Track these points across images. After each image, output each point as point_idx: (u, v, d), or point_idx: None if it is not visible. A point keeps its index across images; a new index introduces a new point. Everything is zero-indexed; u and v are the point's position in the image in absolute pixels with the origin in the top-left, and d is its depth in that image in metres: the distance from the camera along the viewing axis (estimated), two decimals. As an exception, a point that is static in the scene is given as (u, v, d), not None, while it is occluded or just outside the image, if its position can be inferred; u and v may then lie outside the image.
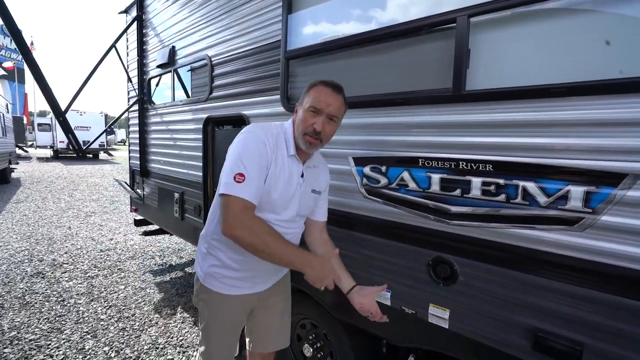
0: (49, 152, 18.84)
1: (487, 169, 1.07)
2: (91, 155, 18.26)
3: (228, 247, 1.19)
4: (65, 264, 3.80)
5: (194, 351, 2.33)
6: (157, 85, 3.22)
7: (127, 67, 3.65)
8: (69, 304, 2.90)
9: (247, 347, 1.48)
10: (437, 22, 1.17)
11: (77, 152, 3.32)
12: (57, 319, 2.67)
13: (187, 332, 2.56)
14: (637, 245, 0.84)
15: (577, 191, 0.92)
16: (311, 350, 1.79)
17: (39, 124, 19.77)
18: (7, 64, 23.40)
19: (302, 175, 1.20)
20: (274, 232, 1.06)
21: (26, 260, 3.84)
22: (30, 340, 2.38)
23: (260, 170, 1.07)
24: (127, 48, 3.68)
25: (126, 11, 3.59)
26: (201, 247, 1.29)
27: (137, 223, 3.88)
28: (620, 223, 0.86)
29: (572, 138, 0.92)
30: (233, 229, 1.00)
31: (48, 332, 2.48)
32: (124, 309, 2.86)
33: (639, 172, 0.83)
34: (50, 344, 2.34)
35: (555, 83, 0.94)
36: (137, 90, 3.38)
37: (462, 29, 1.10)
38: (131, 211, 3.90)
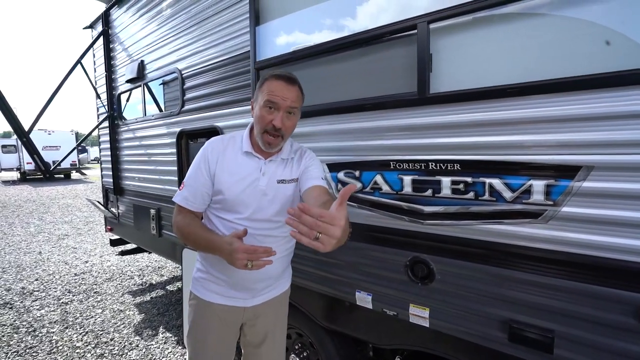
0: (15, 175, 17.88)
1: (455, 168, 1.11)
2: (62, 176, 17.47)
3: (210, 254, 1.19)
4: (36, 291, 3.60)
5: (177, 372, 2.25)
6: (127, 100, 3.14)
7: (96, 83, 3.54)
8: (40, 334, 2.74)
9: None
10: (399, 28, 1.21)
11: (44, 173, 3.18)
12: (27, 351, 2.51)
13: (170, 352, 2.47)
14: (597, 234, 0.89)
15: (538, 185, 0.96)
16: (298, 360, 1.76)
17: (3, 146, 18.73)
18: None
19: (260, 170, 1.13)
20: (194, 224, 1.12)
21: (-8, 291, 3.61)
22: (-1, 376, 2.22)
23: (197, 175, 1.13)
24: (95, 64, 3.58)
25: (91, 26, 3.50)
26: (196, 256, 1.32)
27: (113, 243, 3.73)
28: (579, 213, 0.91)
29: (531, 135, 0.97)
30: (175, 231, 1.14)
31: (18, 366, 2.33)
32: (101, 334, 2.72)
33: (591, 164, 0.88)
34: (21, 379, 2.19)
35: (511, 83, 0.98)
36: (106, 107, 3.28)
37: (422, 34, 1.14)
38: (106, 231, 3.75)
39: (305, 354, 1.77)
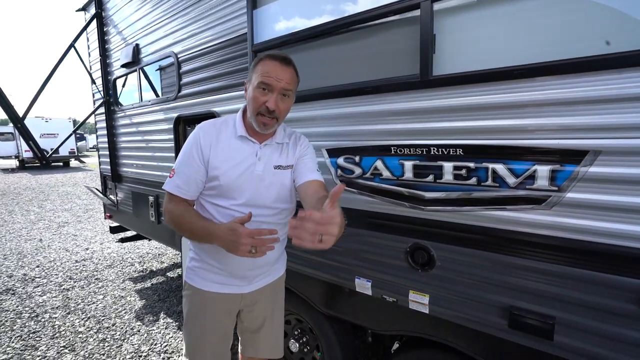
0: (14, 163, 17.82)
1: (458, 153, 1.08)
2: (61, 164, 17.41)
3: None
4: (38, 277, 3.62)
5: (179, 356, 2.28)
6: (123, 85, 3.08)
7: (90, 68, 3.47)
8: (43, 319, 2.76)
9: (239, 349, 1.41)
10: (401, 8, 1.16)
11: (40, 160, 3.15)
12: (30, 335, 2.54)
13: (171, 337, 2.49)
14: (602, 220, 0.87)
15: (543, 170, 0.94)
16: (297, 345, 1.78)
17: (1, 133, 18.63)
18: None
19: (256, 155, 1.11)
20: (188, 213, 1.08)
21: (-6, 278, 3.63)
22: (2, 360, 2.25)
23: (190, 162, 1.08)
24: (89, 48, 3.50)
25: (84, 8, 3.40)
26: (189, 244, 1.29)
27: (113, 230, 3.73)
28: (584, 199, 0.89)
29: (537, 118, 0.94)
30: (165, 220, 1.11)
31: (22, 351, 2.35)
32: (103, 320, 2.75)
33: (599, 149, 0.85)
34: (24, 363, 2.22)
35: (518, 65, 0.95)
36: (102, 92, 3.22)
37: (426, 14, 1.09)
38: (105, 218, 3.75)
39: (304, 340, 1.78)
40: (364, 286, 1.38)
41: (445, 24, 1.11)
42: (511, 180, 0.99)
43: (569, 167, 0.90)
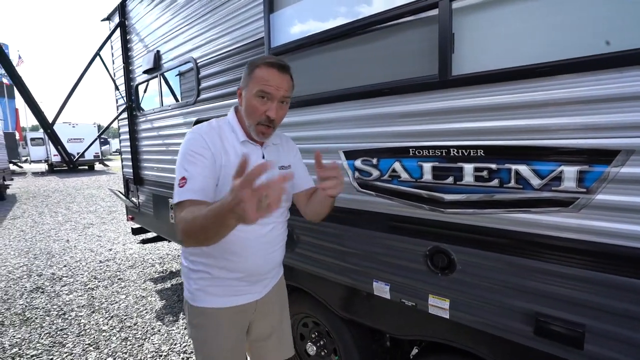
0: (43, 167, 18.68)
1: (479, 154, 1.05)
2: (86, 167, 18.14)
3: (209, 254, 1.07)
4: (65, 277, 3.77)
5: None
6: (144, 91, 3.18)
7: (114, 75, 3.61)
8: (70, 317, 2.88)
9: None
10: (419, 8, 1.14)
11: (67, 164, 3.29)
12: (58, 332, 2.64)
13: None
14: (634, 223, 0.83)
15: (570, 171, 0.90)
16: (315, 348, 1.77)
17: (32, 139, 19.61)
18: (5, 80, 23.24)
19: (262, 157, 1.10)
20: (198, 209, 0.85)
21: (25, 276, 3.81)
22: (32, 356, 2.35)
23: (203, 162, 0.96)
24: (112, 55, 3.64)
25: (109, 18, 3.54)
26: (184, 265, 1.16)
27: (135, 232, 3.85)
28: (615, 201, 0.85)
29: (563, 117, 0.90)
30: (181, 232, 0.86)
31: (50, 347, 2.45)
32: (125, 319, 2.83)
33: (631, 148, 0.81)
34: (52, 359, 2.31)
35: (541, 62, 0.92)
36: (124, 98, 3.34)
37: (444, 13, 1.07)
38: (128, 220, 3.87)
39: (321, 343, 1.77)
40: (382, 289, 1.36)
41: (463, 23, 1.08)
42: (536, 181, 0.96)
43: (599, 167, 0.86)
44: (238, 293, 1.13)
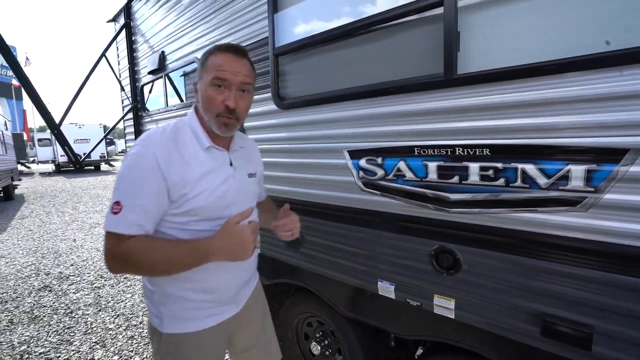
0: (50, 167, 18.90)
1: (484, 153, 1.04)
2: (93, 167, 18.32)
3: (184, 278, 0.93)
4: (72, 276, 3.82)
5: None
6: (150, 91, 3.20)
7: (119, 76, 3.64)
8: (77, 316, 2.91)
9: None
10: (424, 6, 1.14)
11: (74, 164, 3.32)
12: (65, 330, 2.68)
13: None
14: (643, 222, 0.82)
15: (577, 170, 0.89)
16: (319, 347, 1.77)
17: (40, 139, 19.85)
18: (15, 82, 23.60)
19: (230, 164, 1.01)
20: (152, 246, 0.85)
21: (33, 275, 3.86)
22: (40, 353, 2.38)
23: (145, 189, 0.85)
24: (118, 56, 3.66)
25: (114, 19, 3.57)
26: (149, 289, 1.02)
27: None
28: (624, 200, 0.83)
29: (570, 116, 0.89)
30: (112, 268, 0.84)
31: (57, 345, 2.48)
32: (131, 317, 2.86)
33: (640, 147, 0.80)
34: (60, 356, 2.34)
35: (548, 60, 0.90)
36: (130, 99, 3.37)
37: (449, 11, 1.07)
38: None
39: (326, 343, 1.77)
40: (386, 289, 1.35)
41: (469, 21, 1.08)
42: (542, 181, 0.95)
43: (607, 166, 0.84)
44: (218, 312, 1.05)
